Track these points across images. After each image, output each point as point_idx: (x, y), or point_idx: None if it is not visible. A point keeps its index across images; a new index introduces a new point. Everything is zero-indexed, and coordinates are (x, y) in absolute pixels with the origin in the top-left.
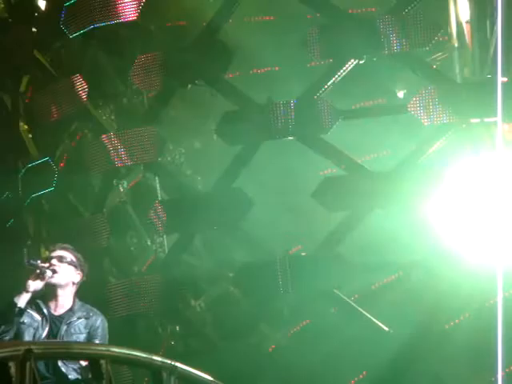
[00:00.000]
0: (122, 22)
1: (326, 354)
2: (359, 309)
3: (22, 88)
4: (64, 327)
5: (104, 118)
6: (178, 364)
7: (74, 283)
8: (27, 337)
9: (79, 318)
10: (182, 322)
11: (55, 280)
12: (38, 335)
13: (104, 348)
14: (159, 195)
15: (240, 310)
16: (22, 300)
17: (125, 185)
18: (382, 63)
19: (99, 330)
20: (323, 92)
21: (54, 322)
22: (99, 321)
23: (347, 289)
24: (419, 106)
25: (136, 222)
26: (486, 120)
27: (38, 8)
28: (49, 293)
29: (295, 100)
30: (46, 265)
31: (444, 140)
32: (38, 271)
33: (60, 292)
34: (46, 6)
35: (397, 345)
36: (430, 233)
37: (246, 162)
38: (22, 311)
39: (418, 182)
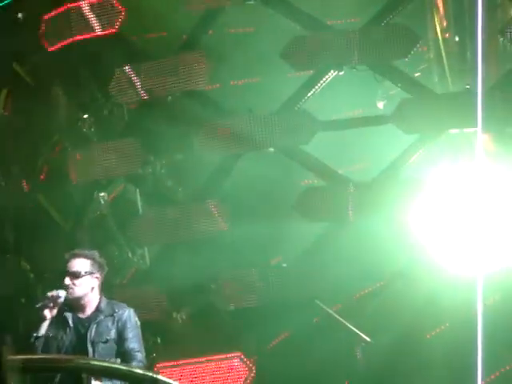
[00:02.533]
0: (102, 34)
1: (307, 364)
2: (341, 319)
3: (1, 101)
4: (93, 327)
5: (84, 130)
6: (159, 376)
7: (93, 288)
8: (51, 349)
9: (106, 316)
10: (164, 333)
11: (73, 296)
12: (61, 344)
13: (83, 361)
14: (140, 207)
15: (222, 321)
16: (40, 330)
17: (105, 197)
18: (361, 74)
19: (128, 323)
20: (303, 103)
21: (82, 324)
22: (125, 314)
23: (329, 299)
24: (399, 117)
25: (116, 234)
26: (466, 130)
27: (18, 19)
28: (72, 302)
29: (274, 111)
30: (59, 292)
31: (424, 150)
32: (50, 304)
33: (83, 299)
34: (25, 18)
35: (378, 355)
36: (411, 242)
37: (228, 173)
38: (42, 337)
39: (399, 192)
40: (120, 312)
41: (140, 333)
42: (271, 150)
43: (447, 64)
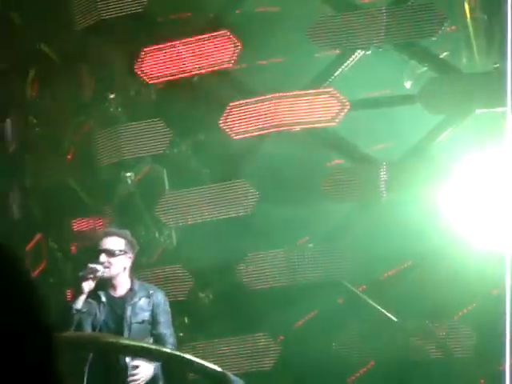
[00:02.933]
0: (128, 14)
1: (333, 344)
2: (367, 299)
3: (29, 81)
4: (129, 308)
5: (111, 109)
6: (186, 355)
7: (125, 268)
8: (86, 325)
9: (141, 298)
10: (190, 313)
11: (108, 274)
12: (96, 322)
13: (114, 340)
14: (167, 187)
15: (249, 301)
16: (78, 302)
17: (132, 177)
18: (388, 54)
19: (161, 306)
20: (330, 83)
21: (117, 304)
22: (159, 297)
23: (355, 279)
24: (426, 97)
25: (144, 214)
26: (494, 110)
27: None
28: (103, 281)
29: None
30: (94, 266)
31: (451, 130)
32: (90, 275)
33: (115, 279)
34: None
35: (405, 336)
36: (439, 222)
37: (253, 154)
38: (79, 312)
39: (426, 172)
40: (155, 295)
41: (171, 317)
42: (297, 129)
43: (475, 44)
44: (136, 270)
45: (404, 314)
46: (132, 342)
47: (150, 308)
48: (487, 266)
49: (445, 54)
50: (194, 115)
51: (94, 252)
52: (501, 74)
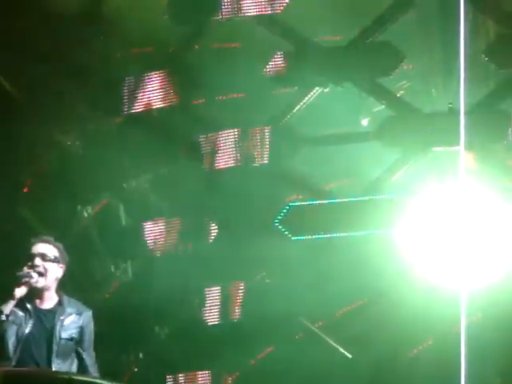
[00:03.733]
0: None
1: (289, 381)
2: (323, 336)
3: None
4: (59, 323)
5: (69, 143)
6: None
7: (57, 278)
8: (10, 334)
9: (70, 314)
10: (146, 347)
11: (41, 284)
12: (20, 332)
13: (66, 376)
14: (123, 221)
15: (204, 335)
16: (8, 307)
17: (89, 210)
18: (345, 91)
19: (89, 326)
20: (288, 119)
21: (45, 316)
22: (89, 316)
23: (312, 316)
24: (383, 134)
25: (99, 247)
26: (449, 148)
27: None
28: (32, 291)
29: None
30: (30, 271)
31: (408, 168)
32: (25, 279)
33: (45, 291)
34: None
35: (360, 372)
36: (396, 260)
37: (213, 189)
38: (7, 317)
39: (383, 209)
40: (85, 313)
41: (93, 337)
42: (256, 165)
43: (432, 82)
44: (92, 304)
45: (360, 351)
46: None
47: (79, 325)
48: (445, 304)
49: (402, 92)
50: (153, 149)
51: (27, 256)
52: (455, 113)
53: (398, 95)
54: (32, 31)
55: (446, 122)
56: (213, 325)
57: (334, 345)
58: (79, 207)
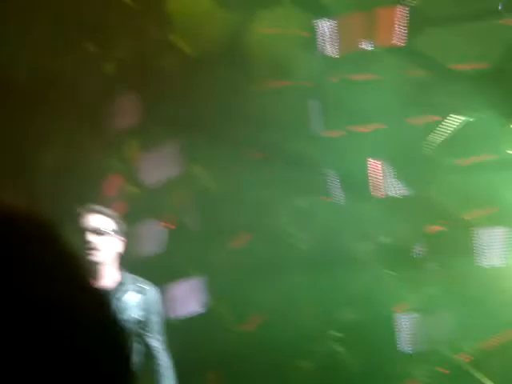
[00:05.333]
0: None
1: None
2: (471, 370)
3: None
4: (116, 302)
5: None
6: None
7: (117, 253)
8: None
9: (130, 292)
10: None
11: (98, 258)
12: None
13: None
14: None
15: (349, 373)
16: None
17: (232, 246)
18: (490, 120)
19: (155, 306)
20: (429, 148)
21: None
22: (153, 294)
23: (455, 347)
24: None
25: None
26: None
27: None
28: (91, 268)
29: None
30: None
31: None
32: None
33: (103, 267)
34: None
35: None
36: None
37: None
38: None
39: None
40: (149, 291)
41: (162, 315)
42: (398, 196)
43: None
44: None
45: None
46: None
47: (141, 306)
48: None
49: None
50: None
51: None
52: None
53: None
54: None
55: None
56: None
57: (483, 380)
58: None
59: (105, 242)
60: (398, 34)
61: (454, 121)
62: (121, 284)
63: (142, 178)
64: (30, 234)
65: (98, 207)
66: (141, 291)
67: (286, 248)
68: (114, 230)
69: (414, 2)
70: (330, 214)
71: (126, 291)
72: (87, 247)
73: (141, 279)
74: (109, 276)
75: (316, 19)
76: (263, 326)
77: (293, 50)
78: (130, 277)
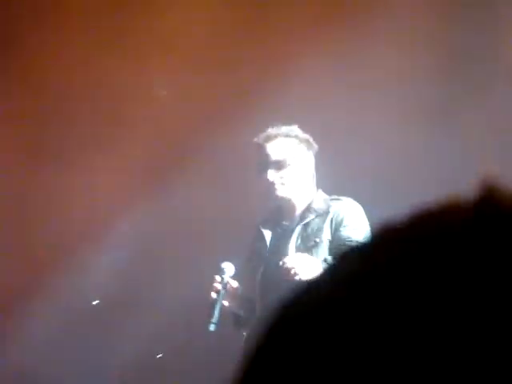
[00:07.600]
0: None
1: None
2: None
3: None
4: (298, 230)
5: None
6: None
7: (306, 177)
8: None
9: (318, 215)
10: None
11: (281, 196)
12: (263, 251)
13: None
14: None
15: None
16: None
17: None
18: None
19: (348, 219)
20: None
21: (283, 233)
22: (344, 208)
23: None
24: None
25: None
26: None
27: None
28: (277, 207)
29: None
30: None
31: None
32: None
33: (292, 199)
34: None
35: None
36: None
37: None
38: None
39: None
40: (336, 207)
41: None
42: None
43: None
44: None
45: None
46: None
47: (330, 225)
48: None
49: None
50: None
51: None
52: None
53: None
54: None
55: None
56: None
57: None
58: None
59: (290, 172)
60: None
61: None
62: (308, 210)
63: None
64: None
65: (273, 130)
66: (326, 210)
67: None
68: (298, 155)
69: None
70: None
71: (311, 215)
72: (270, 187)
73: (335, 196)
74: (298, 205)
75: None
76: None
77: None
78: (322, 198)
